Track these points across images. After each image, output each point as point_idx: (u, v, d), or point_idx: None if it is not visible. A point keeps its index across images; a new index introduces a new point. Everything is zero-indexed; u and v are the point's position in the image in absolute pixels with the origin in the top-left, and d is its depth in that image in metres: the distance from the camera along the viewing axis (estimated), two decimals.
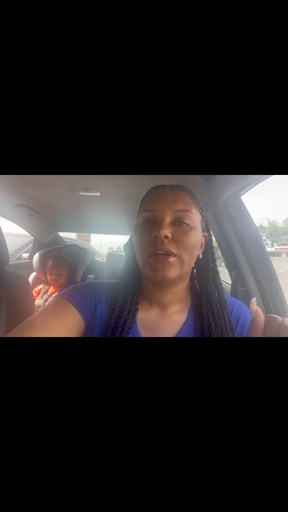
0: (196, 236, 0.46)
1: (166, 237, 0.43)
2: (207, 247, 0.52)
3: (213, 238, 1.07)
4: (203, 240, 0.51)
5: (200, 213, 0.50)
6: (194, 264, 0.50)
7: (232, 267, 1.00)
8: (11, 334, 0.41)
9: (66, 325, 0.44)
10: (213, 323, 0.47)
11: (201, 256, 0.51)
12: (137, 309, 0.49)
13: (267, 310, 0.90)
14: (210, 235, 0.54)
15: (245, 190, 0.85)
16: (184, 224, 0.45)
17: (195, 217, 0.46)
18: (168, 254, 0.43)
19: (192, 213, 0.46)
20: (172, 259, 0.43)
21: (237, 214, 0.94)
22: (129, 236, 0.71)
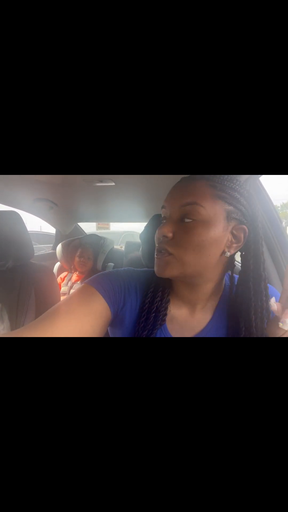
0: (205, 232, 0.40)
1: (165, 236, 0.42)
2: (249, 244, 0.43)
3: None
4: (233, 234, 0.43)
5: (227, 203, 0.41)
6: (228, 263, 0.46)
7: None
8: (38, 321, 0.41)
9: (93, 313, 0.43)
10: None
11: (228, 254, 0.43)
12: (169, 300, 0.48)
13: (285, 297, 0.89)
14: (256, 227, 0.43)
15: None
16: (190, 220, 0.41)
17: (207, 210, 0.40)
18: (164, 252, 0.42)
19: (201, 206, 0.40)
20: (167, 257, 0.42)
21: (255, 196, 0.90)
22: (145, 224, 0.71)
